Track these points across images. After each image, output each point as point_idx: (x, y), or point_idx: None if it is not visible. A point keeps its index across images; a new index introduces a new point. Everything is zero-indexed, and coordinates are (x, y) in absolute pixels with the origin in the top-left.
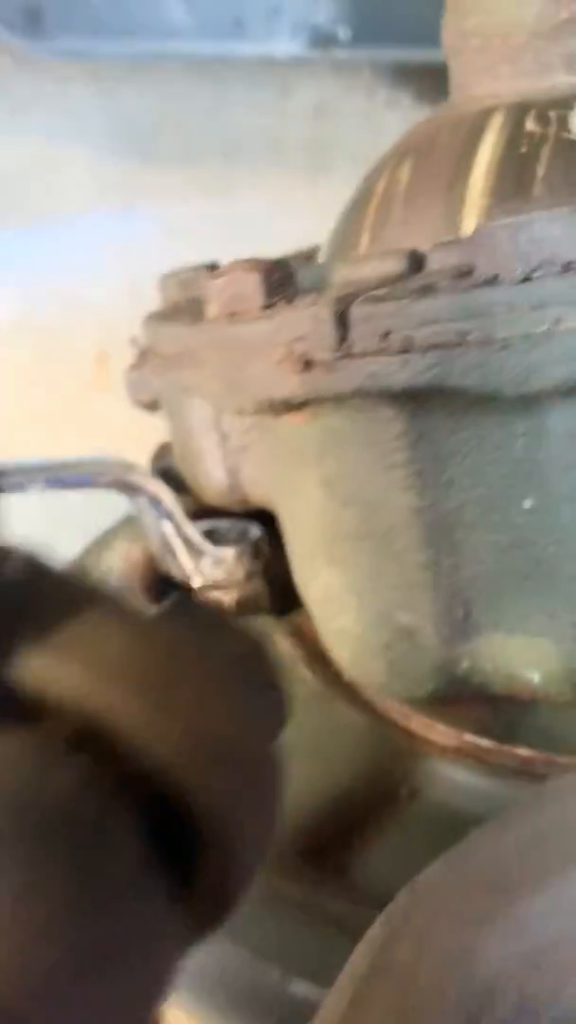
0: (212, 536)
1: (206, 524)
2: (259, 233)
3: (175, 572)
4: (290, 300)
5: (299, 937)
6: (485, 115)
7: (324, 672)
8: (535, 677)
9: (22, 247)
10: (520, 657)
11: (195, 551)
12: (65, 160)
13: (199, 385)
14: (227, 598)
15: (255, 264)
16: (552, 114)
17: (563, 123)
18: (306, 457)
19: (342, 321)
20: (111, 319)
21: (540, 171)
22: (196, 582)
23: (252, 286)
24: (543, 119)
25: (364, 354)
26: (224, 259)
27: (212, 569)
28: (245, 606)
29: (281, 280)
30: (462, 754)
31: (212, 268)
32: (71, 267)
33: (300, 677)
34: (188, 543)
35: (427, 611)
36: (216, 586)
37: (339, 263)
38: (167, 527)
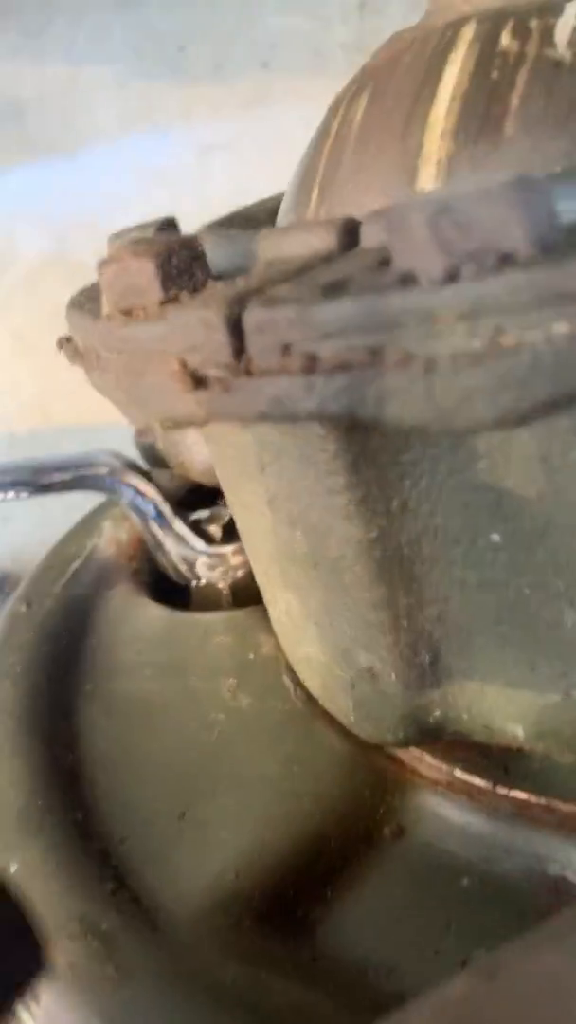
0: (202, 528)
1: (193, 514)
2: (301, 148)
3: (169, 572)
4: (197, 291)
5: None
6: (454, 28)
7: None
8: (518, 731)
9: (50, 180)
10: (499, 710)
11: (189, 552)
12: (88, 84)
13: (108, 392)
14: (222, 586)
15: (148, 247)
16: (534, 24)
17: (546, 37)
18: (248, 468)
19: (236, 329)
20: None
21: (515, 102)
22: (192, 583)
23: (146, 276)
24: (522, 32)
25: (263, 372)
26: (263, 179)
27: (207, 571)
28: (239, 597)
29: (184, 265)
30: (454, 790)
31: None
32: (103, 197)
33: (281, 688)
34: (181, 543)
35: (387, 655)
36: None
37: (268, 234)
38: (158, 530)
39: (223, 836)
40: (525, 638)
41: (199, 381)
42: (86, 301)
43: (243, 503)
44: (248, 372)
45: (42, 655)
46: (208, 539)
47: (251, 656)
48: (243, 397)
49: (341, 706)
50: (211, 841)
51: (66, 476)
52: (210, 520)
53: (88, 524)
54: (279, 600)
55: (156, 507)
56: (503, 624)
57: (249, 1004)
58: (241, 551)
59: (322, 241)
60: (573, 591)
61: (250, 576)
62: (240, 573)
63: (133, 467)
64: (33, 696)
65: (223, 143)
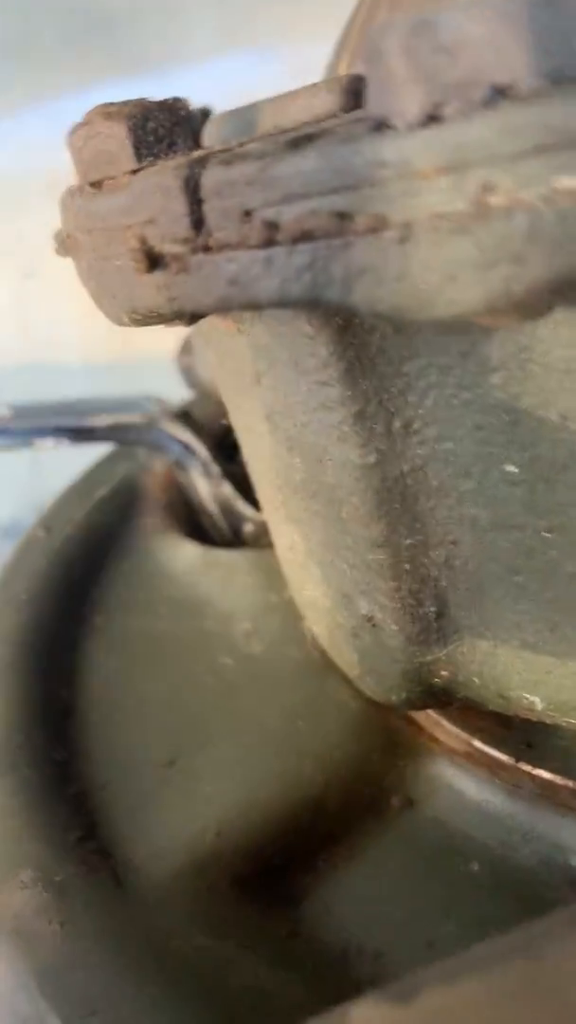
0: (245, 482)
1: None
2: None
3: (211, 532)
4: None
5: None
6: None
7: None
8: (536, 702)
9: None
10: (514, 675)
11: (234, 517)
12: None
13: (85, 283)
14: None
15: (121, 109)
16: None
17: None
18: (245, 379)
19: (194, 195)
20: None
21: None
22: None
23: (117, 141)
24: None
25: (222, 247)
26: None
27: (252, 535)
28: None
29: (163, 132)
30: (472, 762)
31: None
32: None
33: (298, 635)
34: (227, 507)
35: (387, 602)
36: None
37: (271, 100)
38: (204, 492)
39: (209, 790)
40: (544, 592)
41: (154, 260)
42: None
43: (244, 423)
44: (207, 248)
45: (53, 583)
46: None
47: (273, 599)
48: (201, 278)
49: (347, 657)
50: (197, 794)
51: (106, 424)
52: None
53: (121, 450)
54: (282, 535)
55: (204, 466)
56: (519, 574)
57: (207, 981)
58: None
59: (324, 102)
60: None
61: None
62: None
63: (179, 416)
64: (36, 626)
65: (322, 65)
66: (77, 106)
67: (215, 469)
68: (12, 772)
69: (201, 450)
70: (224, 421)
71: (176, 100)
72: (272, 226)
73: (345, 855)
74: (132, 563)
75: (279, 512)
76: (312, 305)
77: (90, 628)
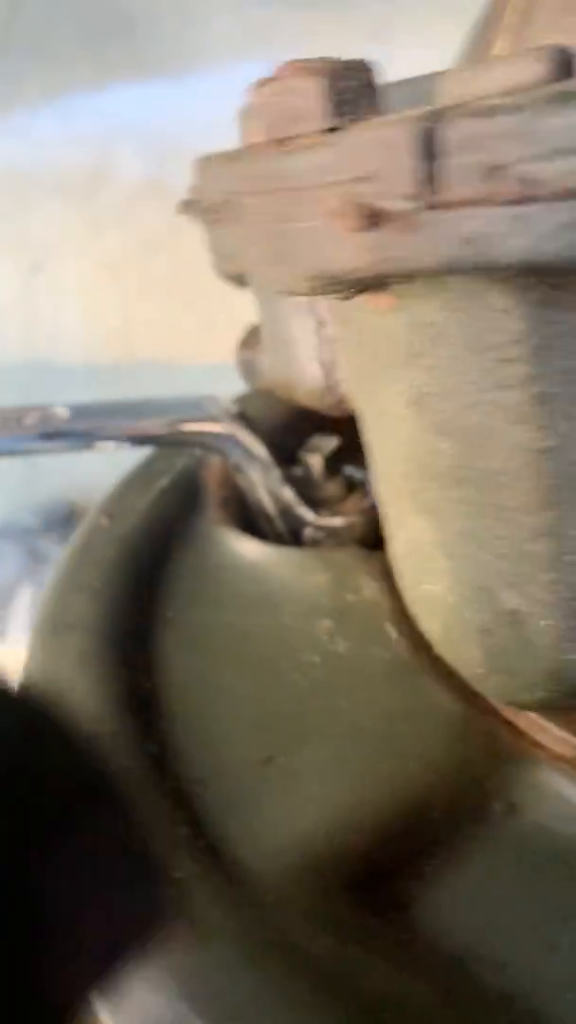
0: (305, 486)
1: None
2: None
3: (270, 536)
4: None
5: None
6: None
7: (414, 634)
8: None
9: (155, 102)
10: None
11: (295, 521)
12: (204, 4)
13: (244, 251)
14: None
15: (317, 66)
16: None
17: None
18: (392, 360)
19: (428, 148)
20: None
21: None
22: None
23: (310, 97)
24: None
25: (460, 203)
26: None
27: (314, 534)
28: (333, 540)
29: (352, 94)
30: None
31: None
32: (208, 125)
33: (383, 636)
34: (288, 511)
35: (542, 595)
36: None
37: (455, 71)
38: (264, 495)
39: (314, 789)
40: None
41: (371, 217)
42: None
43: (378, 408)
44: (439, 205)
45: (123, 572)
46: (311, 487)
47: (350, 598)
48: (429, 236)
49: (466, 656)
50: (299, 793)
51: (168, 428)
52: (311, 449)
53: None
54: (406, 526)
55: (264, 470)
56: None
57: (344, 986)
58: (353, 508)
59: (529, 71)
60: None
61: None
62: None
63: (237, 416)
64: (113, 614)
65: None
66: (90, 105)
67: (276, 473)
68: (109, 761)
69: (262, 453)
70: (280, 420)
71: (364, 63)
72: (530, 182)
73: (452, 861)
74: (197, 556)
75: (404, 502)
76: (565, 266)
77: (164, 620)
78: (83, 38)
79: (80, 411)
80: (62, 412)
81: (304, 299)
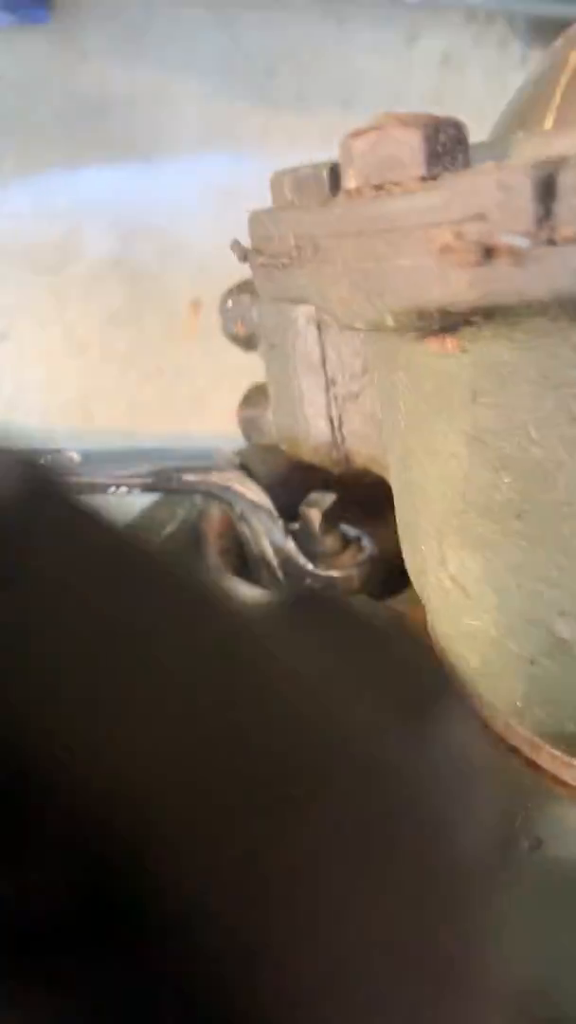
0: (303, 539)
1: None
2: None
3: (265, 582)
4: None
5: None
6: None
7: None
8: None
9: (122, 183)
10: None
11: (296, 570)
12: (175, 93)
13: (320, 290)
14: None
15: (415, 118)
16: None
17: None
18: (451, 400)
19: (545, 190)
20: (208, 266)
21: None
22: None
23: (410, 148)
24: None
25: (572, 240)
26: None
27: (312, 585)
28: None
29: (451, 143)
30: None
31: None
32: (172, 208)
33: None
34: (289, 561)
35: None
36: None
37: (522, 138)
38: (265, 545)
39: None
40: None
41: (487, 252)
42: (283, 209)
43: (428, 447)
44: (553, 241)
45: None
46: (309, 540)
47: None
48: (539, 271)
49: (506, 689)
50: None
51: (175, 475)
52: (310, 504)
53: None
54: (448, 562)
55: (269, 521)
56: None
57: None
58: (350, 561)
59: None
60: None
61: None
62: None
63: (247, 471)
64: None
65: None
66: (62, 182)
67: (279, 523)
68: None
69: (266, 503)
70: (279, 475)
71: (455, 120)
72: None
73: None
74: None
75: (448, 539)
76: None
77: None
78: (58, 119)
79: (91, 456)
80: (74, 457)
81: (316, 356)
